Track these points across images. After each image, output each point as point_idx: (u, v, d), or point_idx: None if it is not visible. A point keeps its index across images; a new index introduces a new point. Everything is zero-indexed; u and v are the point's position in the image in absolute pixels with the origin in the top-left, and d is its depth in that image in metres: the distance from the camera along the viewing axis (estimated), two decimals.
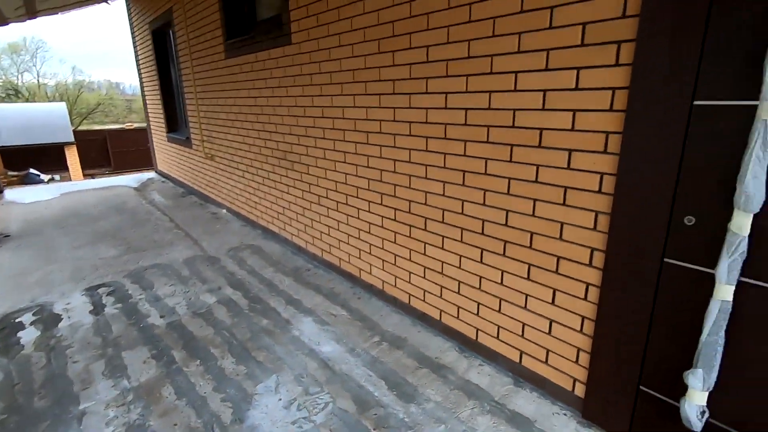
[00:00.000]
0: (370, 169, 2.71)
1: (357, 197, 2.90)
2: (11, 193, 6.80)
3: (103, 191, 6.75)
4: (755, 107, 1.18)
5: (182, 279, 3.37)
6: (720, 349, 1.33)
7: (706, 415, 1.40)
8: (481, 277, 2.16)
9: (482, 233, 2.10)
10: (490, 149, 1.97)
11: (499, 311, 2.10)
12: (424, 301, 2.55)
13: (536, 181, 1.81)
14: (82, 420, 1.91)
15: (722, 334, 1.32)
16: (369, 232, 2.87)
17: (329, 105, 2.95)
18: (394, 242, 2.67)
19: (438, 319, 2.47)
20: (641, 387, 1.61)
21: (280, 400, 2.00)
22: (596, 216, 1.64)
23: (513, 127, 1.86)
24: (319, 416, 1.89)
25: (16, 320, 2.80)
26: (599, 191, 1.61)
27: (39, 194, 6.63)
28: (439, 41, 2.08)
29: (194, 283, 3.30)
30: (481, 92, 1.95)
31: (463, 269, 2.25)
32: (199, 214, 5.26)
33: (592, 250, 1.68)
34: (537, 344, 1.97)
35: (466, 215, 2.16)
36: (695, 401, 1.39)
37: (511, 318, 2.05)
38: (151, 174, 8.22)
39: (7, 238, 4.55)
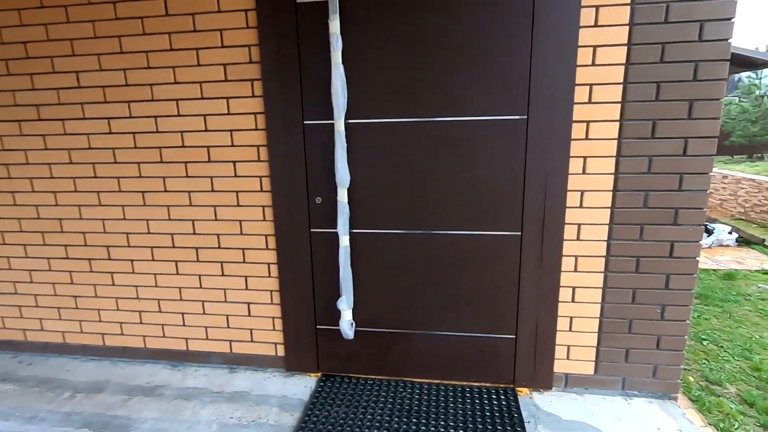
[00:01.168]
0: (18, 207, 2.32)
1: (3, 243, 2.39)
2: None
3: None
4: (332, 124, 1.93)
5: None
6: (350, 279, 2.04)
7: (354, 325, 2.10)
8: (180, 288, 2.29)
9: (173, 246, 2.24)
10: (166, 168, 2.16)
11: (204, 313, 2.30)
12: (122, 334, 2.40)
13: (213, 191, 2.14)
14: None
15: (349, 268, 2.03)
16: (31, 281, 2.42)
17: None
18: (71, 283, 2.38)
19: (143, 346, 2.40)
20: (318, 327, 2.20)
21: None
22: (263, 209, 2.13)
23: (183, 147, 2.12)
24: None
25: None
26: (261, 190, 2.10)
27: None
28: (92, 68, 2.09)
29: None
30: (146, 117, 2.11)
31: (160, 286, 2.30)
32: None
33: (266, 236, 2.15)
34: (242, 328, 2.29)
35: (154, 233, 2.24)
36: (346, 318, 2.07)
37: (216, 315, 2.29)
38: None
39: None
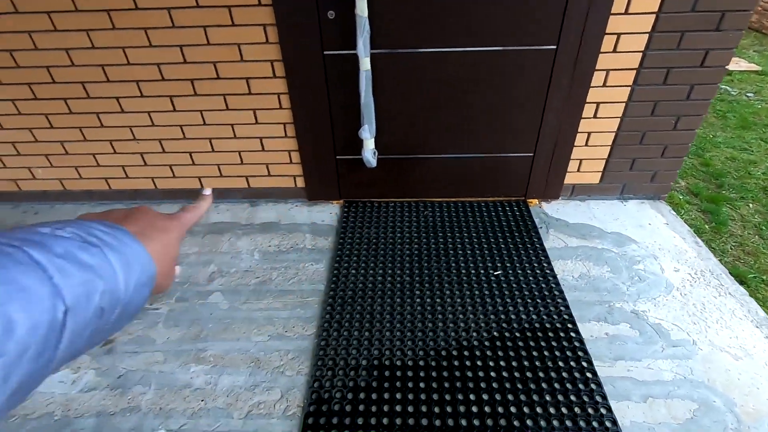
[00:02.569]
0: None
1: None
2: None
3: None
4: None
5: None
6: (372, 106, 1.92)
7: (377, 154, 2.08)
8: (181, 126, 2.10)
9: (163, 78, 1.95)
10: None
11: (213, 151, 2.18)
12: (126, 177, 2.30)
13: (199, 6, 1.76)
14: None
15: (371, 95, 1.89)
16: (1, 128, 2.13)
17: None
18: (51, 127, 2.12)
19: (153, 187, 2.33)
20: (337, 157, 2.17)
21: None
22: (264, 29, 1.81)
23: None
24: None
25: None
26: (260, 4, 1.74)
27: None
28: None
29: None
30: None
31: (158, 125, 2.10)
32: None
33: (272, 62, 1.89)
34: (257, 164, 2.23)
35: (134, 64, 1.91)
36: (369, 147, 2.03)
37: (227, 152, 2.19)
38: None
39: None
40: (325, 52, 1.85)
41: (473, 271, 1.86)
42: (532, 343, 1.54)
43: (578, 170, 2.19)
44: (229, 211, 2.31)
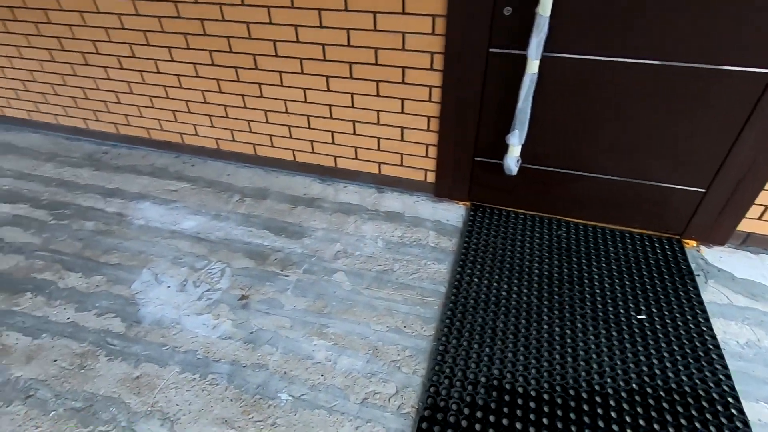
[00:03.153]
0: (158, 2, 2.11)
1: (148, 45, 2.29)
2: None
3: None
4: None
5: None
6: (529, 112, 1.80)
7: (519, 162, 1.96)
8: (330, 106, 2.18)
9: (324, 59, 2.03)
10: None
11: (354, 134, 2.24)
12: (272, 146, 2.47)
13: None
14: None
15: (530, 100, 1.77)
16: (181, 87, 2.41)
17: None
18: (220, 91, 2.34)
19: (292, 159, 2.48)
20: (476, 158, 2.09)
21: (169, 287, 1.86)
22: (433, 20, 1.77)
23: None
24: (222, 283, 1.87)
25: None
26: None
27: None
28: None
29: None
30: None
31: (310, 102, 2.21)
32: None
33: (432, 54, 1.86)
34: (392, 152, 2.24)
35: (303, 42, 2.01)
36: (514, 154, 1.92)
37: (367, 136, 2.23)
38: None
39: None
40: (491, 50, 1.76)
41: (611, 309, 1.68)
42: (679, 409, 1.35)
43: (759, 218, 1.85)
44: (357, 193, 2.37)
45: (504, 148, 1.93)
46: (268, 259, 1.98)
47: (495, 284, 1.79)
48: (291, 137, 2.39)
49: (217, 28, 2.10)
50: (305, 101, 2.21)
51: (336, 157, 2.38)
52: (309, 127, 2.31)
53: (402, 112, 2.08)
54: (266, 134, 2.43)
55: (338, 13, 1.87)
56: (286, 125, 2.35)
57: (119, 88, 2.56)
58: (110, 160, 2.74)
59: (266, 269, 1.92)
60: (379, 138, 2.21)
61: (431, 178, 2.26)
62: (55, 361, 1.58)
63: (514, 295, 1.74)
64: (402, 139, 2.17)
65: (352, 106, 2.14)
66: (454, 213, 2.21)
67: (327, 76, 2.08)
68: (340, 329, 1.66)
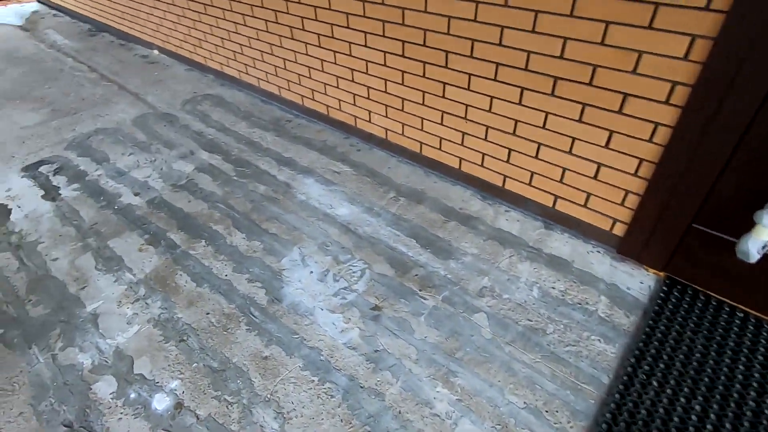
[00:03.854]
0: None
1: (347, 27, 2.31)
2: None
3: None
4: None
5: (141, 145, 2.85)
6: None
7: (766, 249, 1.42)
8: (516, 121, 1.91)
9: (525, 68, 1.75)
10: None
11: (536, 157, 1.93)
12: (440, 149, 2.31)
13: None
14: (98, 322, 1.73)
15: None
16: (366, 73, 2.39)
17: None
18: (402, 84, 2.25)
19: (457, 167, 2.29)
20: (694, 225, 1.60)
21: (312, 273, 1.89)
22: (692, 41, 1.34)
23: None
24: (359, 284, 1.82)
25: None
26: (707, 8, 1.27)
27: None
28: None
29: (158, 149, 2.80)
30: None
31: (494, 113, 1.96)
32: (124, 57, 4.26)
33: (675, 84, 1.42)
34: (576, 188, 1.87)
35: (505, 46, 1.76)
36: (761, 237, 1.39)
37: (550, 163, 1.90)
38: (34, 5, 6.34)
39: None
40: None
41: None
42: None
43: None
44: (519, 223, 2.08)
45: (746, 225, 1.41)
46: (409, 272, 1.86)
47: (683, 403, 1.36)
48: (462, 144, 2.19)
49: (416, 19, 1.98)
50: (489, 110, 1.97)
51: (506, 177, 2.11)
52: (485, 139, 2.07)
53: (605, 146, 1.69)
54: (436, 135, 2.27)
55: (559, 18, 1.56)
56: (460, 131, 2.15)
57: (313, 64, 2.68)
58: (291, 129, 2.94)
59: (405, 284, 1.81)
60: (565, 169, 1.86)
61: (619, 230, 1.83)
62: (208, 314, 1.74)
63: (709, 427, 1.29)
64: (595, 177, 1.79)
65: (543, 127, 1.83)
66: (638, 281, 1.77)
67: (522, 88, 1.80)
68: (468, 384, 1.46)
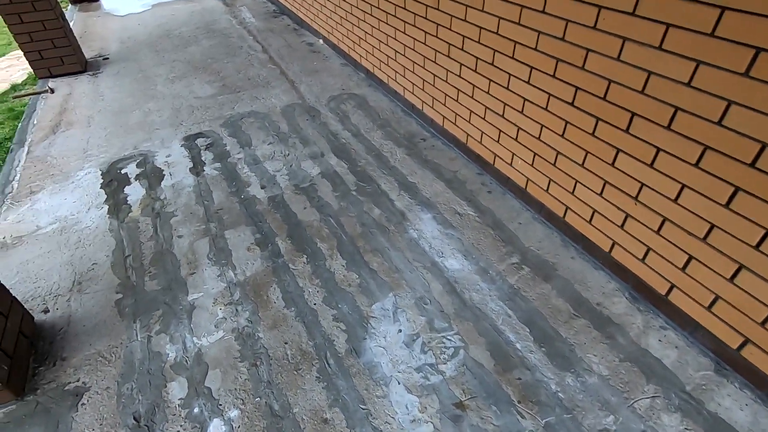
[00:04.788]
0: (543, 15, 1.72)
1: (512, 57, 1.98)
2: (108, 2, 6.42)
3: (193, 4, 6.08)
4: None
5: (281, 136, 2.94)
6: None
7: None
8: (713, 226, 1.40)
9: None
10: None
11: (731, 280, 1.40)
12: (589, 222, 1.87)
13: None
14: (192, 315, 1.78)
15: None
16: (521, 112, 2.05)
17: None
18: (561, 135, 1.86)
19: (607, 250, 1.83)
20: None
21: (400, 332, 1.68)
22: None
23: None
24: (449, 366, 1.56)
25: (122, 171, 2.68)
26: None
27: (132, 4, 6.18)
28: None
29: (294, 143, 2.86)
30: None
31: (680, 204, 1.47)
32: (293, 42, 4.53)
33: None
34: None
35: (723, 125, 1.26)
36: None
37: (750, 296, 1.36)
38: None
39: (107, 60, 4.33)
40: None
41: None
42: None
43: None
44: (678, 350, 1.56)
45: None
46: (511, 372, 1.53)
47: None
48: (622, 227, 1.73)
49: (602, 66, 1.57)
50: (674, 200, 1.49)
51: (674, 286, 1.60)
52: (657, 232, 1.59)
53: None
54: (590, 205, 1.84)
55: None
56: (624, 212, 1.69)
57: (463, 88, 2.41)
58: (423, 149, 2.74)
59: (502, 385, 1.49)
60: None
61: None
62: (286, 343, 1.67)
63: None
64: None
65: (756, 247, 1.30)
66: None
67: (735, 187, 1.29)
68: None
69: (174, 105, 3.42)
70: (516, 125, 2.11)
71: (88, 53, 4.46)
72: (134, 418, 1.45)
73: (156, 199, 2.44)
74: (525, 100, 2.00)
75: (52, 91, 3.71)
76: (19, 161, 2.83)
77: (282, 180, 2.54)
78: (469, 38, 2.22)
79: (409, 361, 1.58)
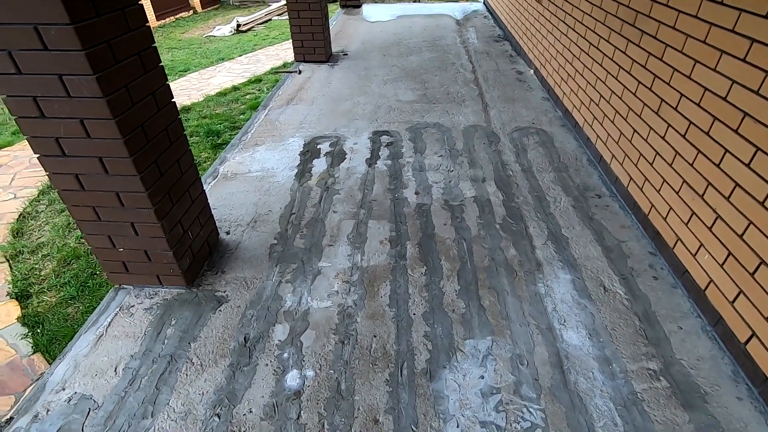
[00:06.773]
0: None
1: (735, 131, 1.61)
2: (368, 9, 7.62)
3: (430, 19, 6.72)
4: None
5: (453, 152, 3.05)
6: None
7: None
8: None
9: None
10: None
11: None
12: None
13: None
14: (315, 279, 2.05)
15: None
16: (727, 198, 1.65)
17: None
18: None
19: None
20: None
21: (482, 379, 1.59)
22: None
23: None
24: None
25: (318, 146, 3.20)
26: None
27: (382, 14, 7.19)
28: None
29: (462, 162, 2.93)
30: None
31: None
32: (504, 68, 4.57)
33: None
34: None
35: None
36: None
37: None
38: (478, 5, 7.61)
39: (346, 56, 5.17)
40: None
41: None
42: None
43: None
44: None
45: None
46: None
47: None
48: None
49: None
50: None
51: None
52: None
53: None
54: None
55: None
56: None
57: (662, 151, 2.06)
58: (592, 206, 2.46)
59: None
60: None
61: None
62: (375, 336, 1.77)
63: None
64: None
65: None
66: None
67: None
68: None
69: (377, 102, 3.88)
70: (715, 212, 1.71)
71: (335, 48, 5.41)
72: (244, 338, 1.78)
73: (331, 175, 2.84)
74: (737, 185, 1.60)
75: (300, 72, 4.66)
76: (258, 120, 3.66)
77: (436, 192, 2.64)
78: (687, 98, 1.88)
79: (477, 412, 1.49)
